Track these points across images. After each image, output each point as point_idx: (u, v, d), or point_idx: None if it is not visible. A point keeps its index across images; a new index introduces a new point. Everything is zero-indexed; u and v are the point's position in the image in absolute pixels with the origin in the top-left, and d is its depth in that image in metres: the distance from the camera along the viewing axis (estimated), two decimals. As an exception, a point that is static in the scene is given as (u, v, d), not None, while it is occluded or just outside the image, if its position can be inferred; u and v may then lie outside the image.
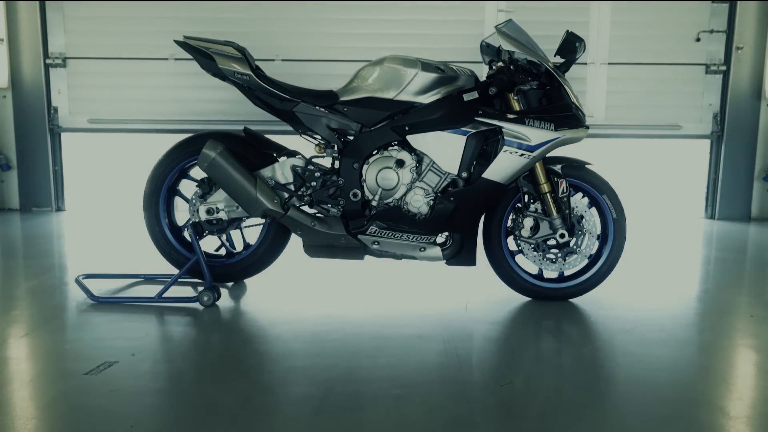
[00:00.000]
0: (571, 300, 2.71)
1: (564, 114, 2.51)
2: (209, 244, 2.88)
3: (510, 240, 2.69)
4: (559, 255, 2.65)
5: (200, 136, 2.71)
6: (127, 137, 4.85)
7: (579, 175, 2.64)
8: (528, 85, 2.54)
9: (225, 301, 2.67)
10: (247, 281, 2.91)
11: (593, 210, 2.69)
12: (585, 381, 1.94)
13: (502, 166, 2.49)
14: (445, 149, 2.52)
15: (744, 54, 4.65)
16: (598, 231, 2.70)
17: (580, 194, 2.69)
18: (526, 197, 2.64)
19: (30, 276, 3.03)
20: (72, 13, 4.62)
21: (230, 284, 2.88)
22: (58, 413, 1.68)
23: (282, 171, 2.65)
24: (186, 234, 2.80)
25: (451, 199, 2.54)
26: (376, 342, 2.22)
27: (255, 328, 2.42)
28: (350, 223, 2.60)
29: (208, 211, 2.65)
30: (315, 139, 2.65)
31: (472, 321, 2.47)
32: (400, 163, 2.58)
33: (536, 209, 2.63)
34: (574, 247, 2.64)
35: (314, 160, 2.66)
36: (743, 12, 4.60)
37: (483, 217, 2.65)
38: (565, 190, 2.58)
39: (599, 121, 4.69)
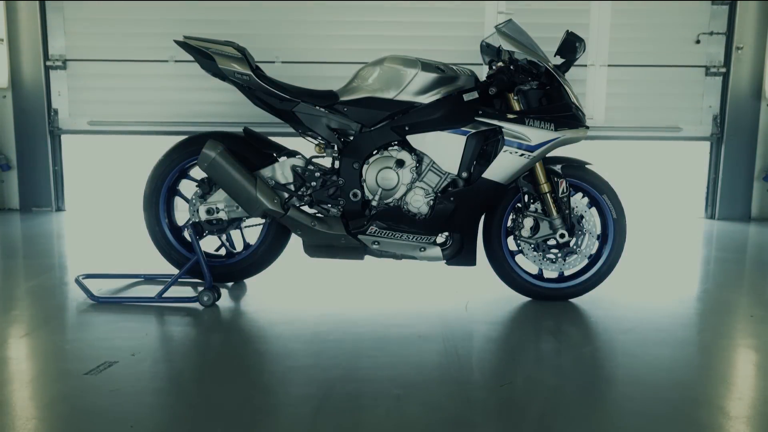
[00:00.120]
0: (571, 300, 2.71)
1: (564, 114, 2.51)
2: (209, 244, 2.88)
3: (510, 240, 2.69)
4: (559, 255, 2.65)
5: (200, 136, 2.71)
6: (128, 139, 4.85)
7: (579, 175, 2.64)
8: (528, 85, 2.54)
9: (225, 301, 2.67)
10: (247, 281, 2.91)
11: (593, 210, 2.69)
12: (585, 381, 1.94)
13: (502, 166, 2.49)
14: (445, 149, 2.52)
15: (744, 54, 4.65)
16: (598, 231, 2.70)
17: (580, 194, 2.69)
18: (526, 197, 2.64)
19: (30, 276, 3.03)
20: (72, 15, 4.62)
21: (230, 284, 2.88)
22: (58, 413, 1.68)
23: (282, 171, 2.65)
24: (186, 234, 2.80)
25: (451, 199, 2.54)
26: (376, 342, 2.22)
27: (255, 327, 2.42)
28: (350, 223, 2.60)
29: (208, 211, 2.65)
30: (315, 139, 2.66)
31: (472, 321, 2.47)
32: (400, 163, 2.58)
33: (536, 209, 2.63)
34: (574, 247, 2.64)
35: (314, 160, 2.66)
36: (743, 13, 4.60)
37: (483, 217, 2.65)
38: (565, 190, 2.58)
39: (599, 123, 4.69)
